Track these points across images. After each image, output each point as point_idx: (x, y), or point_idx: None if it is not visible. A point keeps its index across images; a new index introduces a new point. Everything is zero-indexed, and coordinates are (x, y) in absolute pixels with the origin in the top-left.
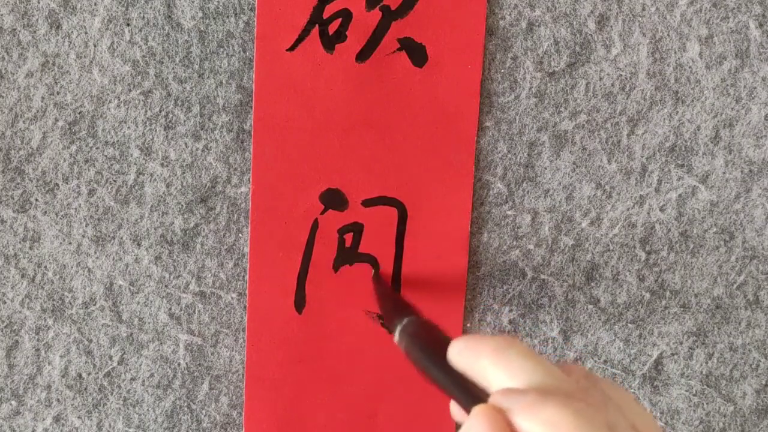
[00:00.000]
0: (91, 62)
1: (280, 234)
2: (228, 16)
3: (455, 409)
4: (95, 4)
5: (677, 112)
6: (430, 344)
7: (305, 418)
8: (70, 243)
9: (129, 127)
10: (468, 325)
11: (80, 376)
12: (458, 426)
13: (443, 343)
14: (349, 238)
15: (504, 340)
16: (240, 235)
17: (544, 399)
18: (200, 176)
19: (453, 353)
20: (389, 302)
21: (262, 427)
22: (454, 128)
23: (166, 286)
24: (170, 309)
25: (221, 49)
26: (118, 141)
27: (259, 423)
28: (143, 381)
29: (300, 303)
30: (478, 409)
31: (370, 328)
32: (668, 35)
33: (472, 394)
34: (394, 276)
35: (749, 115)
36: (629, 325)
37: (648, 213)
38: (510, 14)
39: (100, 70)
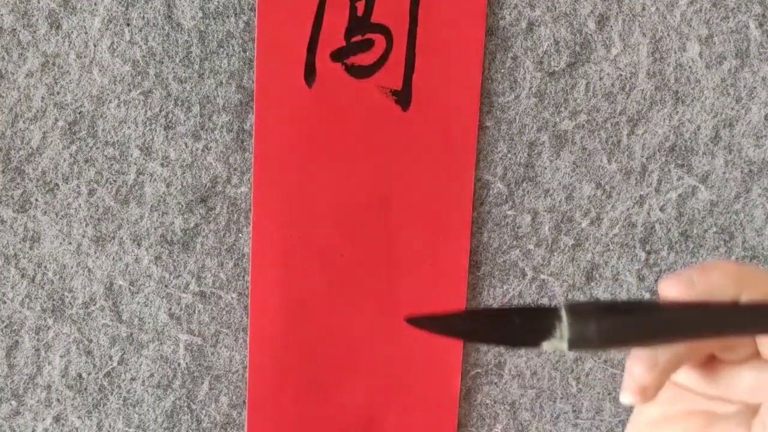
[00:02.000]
0: (91, 62)
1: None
2: (228, 16)
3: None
4: (95, 4)
5: (677, 112)
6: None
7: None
8: (70, 243)
9: (129, 127)
10: None
11: (80, 376)
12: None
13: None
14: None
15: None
16: (240, 235)
17: None
18: (200, 176)
19: (671, 292)
20: (519, 316)
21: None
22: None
23: (166, 286)
24: (170, 309)
25: (221, 49)
26: (118, 141)
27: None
28: (143, 381)
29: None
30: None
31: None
32: (668, 35)
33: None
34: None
35: (749, 115)
36: None
37: (648, 213)
38: (510, 14)
39: (100, 70)
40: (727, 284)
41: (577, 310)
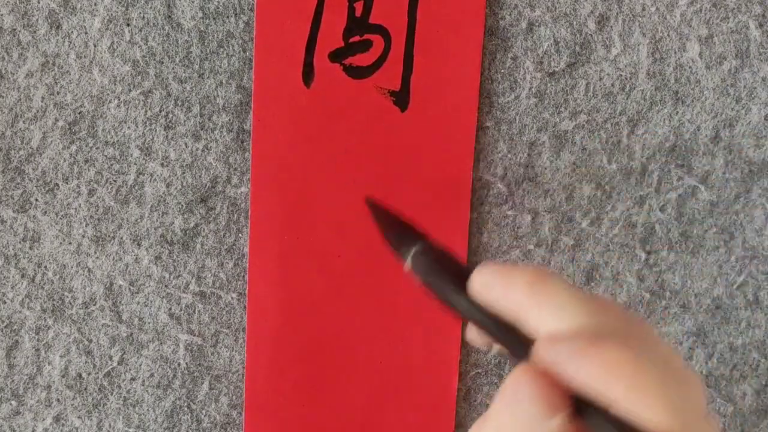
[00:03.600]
0: (91, 62)
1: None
2: (228, 16)
3: (472, 335)
4: (95, 4)
5: (677, 112)
6: (453, 272)
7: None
8: (70, 243)
9: (129, 127)
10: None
11: (80, 376)
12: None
13: (464, 272)
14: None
15: (540, 272)
16: (240, 235)
17: (599, 341)
18: (200, 176)
19: (479, 285)
20: (392, 226)
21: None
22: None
23: (166, 286)
24: (170, 309)
25: (221, 49)
26: (118, 141)
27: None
28: (143, 381)
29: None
30: (519, 372)
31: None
32: (668, 35)
33: (508, 334)
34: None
35: (749, 115)
36: None
37: (648, 213)
38: (510, 14)
39: (100, 70)
40: (523, 293)
41: (422, 251)
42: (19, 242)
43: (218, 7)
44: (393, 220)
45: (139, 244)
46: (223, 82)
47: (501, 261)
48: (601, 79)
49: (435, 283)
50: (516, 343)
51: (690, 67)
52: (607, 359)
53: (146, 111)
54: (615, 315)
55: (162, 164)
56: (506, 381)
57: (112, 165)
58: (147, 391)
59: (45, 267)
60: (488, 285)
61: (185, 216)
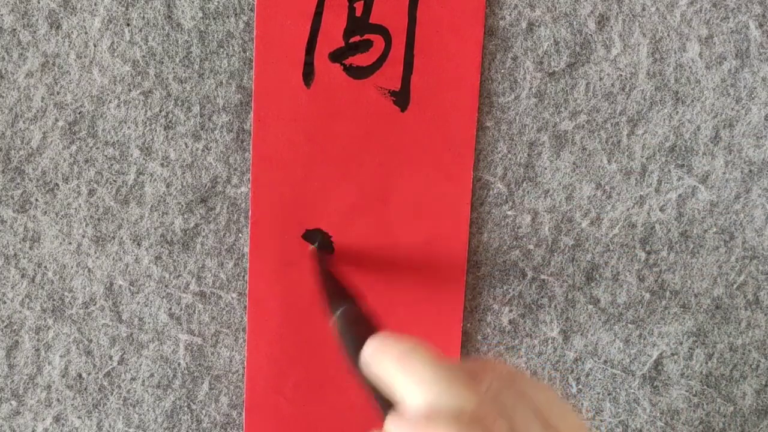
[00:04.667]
0: (91, 62)
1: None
2: (228, 16)
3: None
4: (95, 4)
5: (677, 112)
6: (359, 338)
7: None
8: (70, 243)
9: (129, 127)
10: (468, 325)
11: (80, 376)
12: None
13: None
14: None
15: (410, 347)
16: (240, 235)
17: (431, 422)
18: (200, 176)
19: (365, 355)
20: (330, 285)
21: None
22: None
23: (166, 286)
24: (170, 309)
25: (221, 49)
26: (118, 141)
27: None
28: (143, 381)
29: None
30: None
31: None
32: (668, 35)
33: (382, 403)
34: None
35: (749, 116)
36: (629, 325)
37: (648, 213)
38: (510, 14)
39: (100, 70)
40: (392, 367)
41: (344, 313)
42: (19, 242)
43: (218, 7)
44: (331, 278)
45: (139, 244)
46: (223, 82)
47: (388, 333)
48: (601, 79)
49: (344, 346)
50: (386, 411)
51: (690, 67)
52: None
53: (146, 111)
54: (489, 381)
55: (162, 164)
56: None
57: (112, 165)
58: (147, 391)
59: (45, 267)
60: (371, 358)
61: (185, 216)
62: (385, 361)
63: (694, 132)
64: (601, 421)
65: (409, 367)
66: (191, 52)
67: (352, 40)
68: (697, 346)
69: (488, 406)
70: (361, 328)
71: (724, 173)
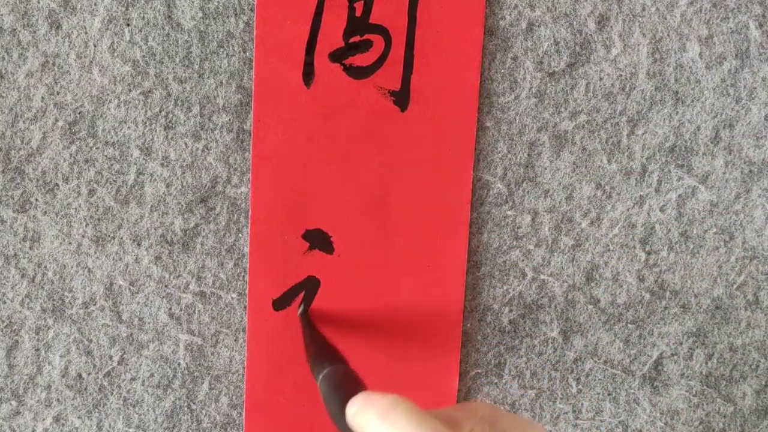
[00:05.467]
0: (91, 62)
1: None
2: (228, 16)
3: None
4: (95, 4)
5: (677, 112)
6: (344, 399)
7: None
8: (70, 243)
9: (129, 127)
10: (468, 325)
11: (80, 376)
12: None
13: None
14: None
15: (392, 401)
16: (240, 235)
17: None
18: (200, 176)
19: (349, 415)
20: (315, 346)
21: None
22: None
23: (166, 286)
24: (170, 309)
25: (221, 49)
26: (118, 141)
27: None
28: (143, 381)
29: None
30: None
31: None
32: (668, 35)
33: None
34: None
35: (749, 116)
36: (629, 325)
37: (648, 213)
38: (510, 14)
39: (100, 70)
40: (376, 422)
41: (328, 375)
42: (19, 242)
43: (218, 7)
44: (317, 338)
45: (139, 244)
46: (223, 82)
47: (367, 393)
48: (601, 79)
49: (329, 407)
50: None
51: (690, 67)
52: None
53: (146, 111)
54: (472, 425)
55: (162, 164)
56: None
57: (112, 165)
58: (147, 391)
59: (45, 267)
60: (355, 417)
61: (185, 216)
62: (369, 416)
63: (694, 132)
64: (601, 421)
65: (391, 420)
66: (191, 52)
67: (352, 40)
68: (697, 347)
69: None
70: (345, 388)
71: (724, 173)
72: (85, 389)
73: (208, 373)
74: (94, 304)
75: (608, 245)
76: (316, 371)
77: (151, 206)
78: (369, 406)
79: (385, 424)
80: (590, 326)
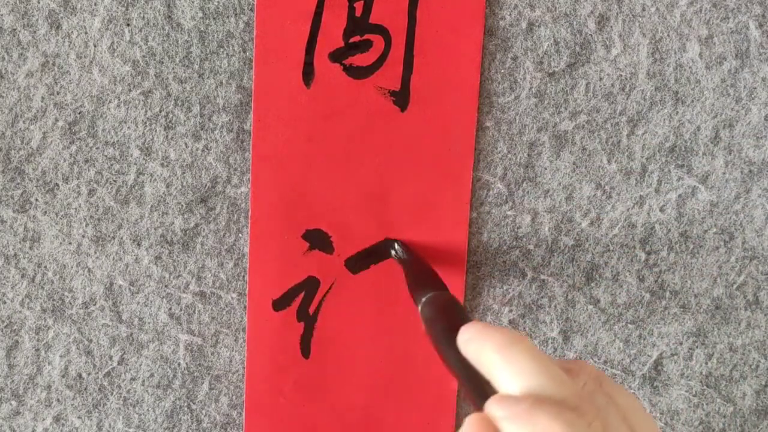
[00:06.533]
0: (91, 62)
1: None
2: (228, 16)
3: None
4: (95, 4)
5: (677, 112)
6: (450, 324)
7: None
8: (70, 243)
9: (129, 127)
10: None
11: (80, 376)
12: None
13: (462, 324)
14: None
15: (511, 336)
16: (240, 235)
17: (536, 408)
18: (200, 176)
19: (462, 340)
20: (416, 273)
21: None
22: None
23: (166, 286)
24: (170, 309)
25: (221, 49)
26: (118, 141)
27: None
28: (143, 381)
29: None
30: (471, 419)
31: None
32: (668, 35)
33: (477, 387)
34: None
35: (749, 116)
36: (629, 325)
37: (648, 213)
38: (510, 14)
39: (100, 70)
40: (493, 355)
41: (432, 299)
42: (19, 242)
43: (218, 7)
44: (417, 266)
45: (139, 244)
46: (223, 82)
47: (482, 323)
48: (601, 79)
49: (432, 332)
50: (482, 395)
51: (690, 67)
52: (538, 425)
53: (146, 111)
54: (583, 380)
55: (162, 164)
56: (463, 424)
57: (112, 165)
58: (147, 391)
59: (45, 267)
60: (469, 343)
61: (185, 216)
62: (485, 348)
63: (694, 132)
64: None
65: (510, 356)
66: (191, 52)
67: (352, 40)
68: (697, 347)
69: (586, 403)
70: (450, 314)
71: (724, 173)
72: (85, 389)
73: (208, 373)
74: (94, 304)
75: (608, 245)
76: (417, 297)
77: (151, 206)
78: (487, 337)
79: (503, 359)
80: (590, 326)
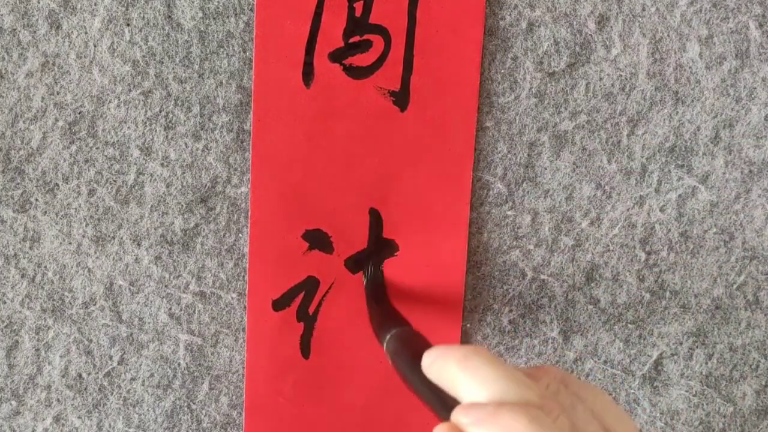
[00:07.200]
0: (91, 62)
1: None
2: (228, 16)
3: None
4: (95, 4)
5: (677, 112)
6: (414, 353)
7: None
8: (70, 243)
9: (129, 127)
10: (468, 325)
11: (80, 376)
12: None
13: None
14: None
15: (471, 349)
16: (240, 235)
17: (500, 409)
18: (200, 176)
19: (425, 365)
20: (380, 312)
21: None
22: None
23: (166, 286)
24: (170, 309)
25: (221, 49)
26: (118, 141)
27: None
28: (143, 381)
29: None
30: (439, 428)
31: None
32: (668, 35)
33: (444, 405)
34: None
35: (749, 116)
36: (629, 325)
37: (648, 213)
38: (510, 14)
39: (100, 70)
40: (455, 370)
41: (396, 335)
42: (19, 242)
43: (218, 7)
44: (381, 305)
45: (139, 244)
46: (223, 82)
47: (443, 345)
48: (601, 79)
49: (397, 363)
50: (449, 411)
51: (690, 67)
52: (503, 423)
53: (146, 111)
54: (546, 383)
55: (162, 164)
56: None
57: (112, 165)
58: (147, 391)
59: (45, 267)
60: (432, 365)
61: (185, 216)
62: (447, 365)
63: (694, 132)
64: None
65: (470, 367)
66: (191, 52)
67: (351, 40)
68: (697, 347)
69: (551, 401)
70: (415, 344)
71: (724, 173)
72: (85, 389)
73: (208, 373)
74: (94, 304)
75: (608, 245)
76: (381, 335)
77: (151, 206)
78: (448, 354)
79: (465, 371)
80: (590, 326)
